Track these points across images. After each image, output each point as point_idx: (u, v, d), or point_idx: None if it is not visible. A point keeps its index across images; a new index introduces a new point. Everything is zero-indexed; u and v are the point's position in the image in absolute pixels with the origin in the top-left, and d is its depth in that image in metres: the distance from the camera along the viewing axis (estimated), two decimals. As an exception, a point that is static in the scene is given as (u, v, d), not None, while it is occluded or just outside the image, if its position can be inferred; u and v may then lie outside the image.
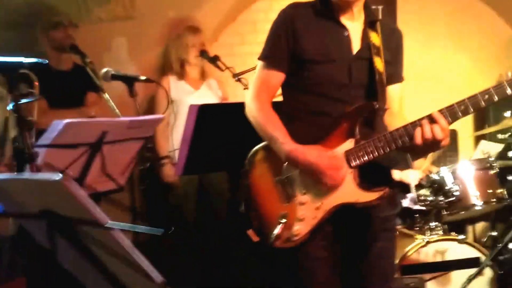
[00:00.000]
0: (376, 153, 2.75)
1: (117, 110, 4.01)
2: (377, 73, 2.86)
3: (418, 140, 2.66)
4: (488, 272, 4.42)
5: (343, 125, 2.80)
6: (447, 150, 5.70)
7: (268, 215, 2.90)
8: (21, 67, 3.01)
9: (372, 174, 2.82)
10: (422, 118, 2.69)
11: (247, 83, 4.43)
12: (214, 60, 5.01)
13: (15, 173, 3.05)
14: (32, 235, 2.35)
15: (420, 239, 4.44)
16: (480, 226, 6.13)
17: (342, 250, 2.98)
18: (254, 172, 2.96)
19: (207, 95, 5.52)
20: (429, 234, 4.48)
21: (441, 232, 4.51)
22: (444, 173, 4.59)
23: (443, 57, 6.93)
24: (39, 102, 3.64)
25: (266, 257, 3.10)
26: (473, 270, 4.38)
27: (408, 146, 2.74)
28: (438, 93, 6.68)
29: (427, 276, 4.38)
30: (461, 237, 4.43)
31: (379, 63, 2.87)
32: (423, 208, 4.69)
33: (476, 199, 4.53)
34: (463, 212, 4.63)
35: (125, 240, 1.97)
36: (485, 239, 5.69)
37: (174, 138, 5.36)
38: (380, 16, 3.02)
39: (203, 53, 5.26)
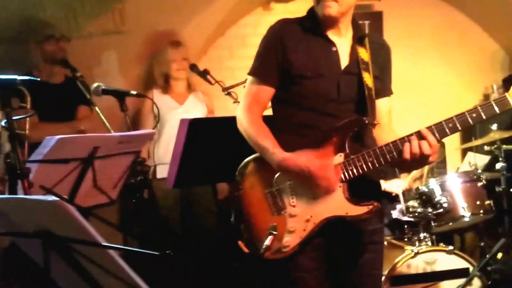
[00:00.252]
0: (366, 167, 2.79)
1: (107, 124, 4.03)
2: (366, 88, 2.90)
3: (407, 155, 2.70)
4: (476, 282, 4.45)
5: (333, 139, 2.82)
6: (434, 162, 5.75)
7: (258, 227, 2.92)
8: (14, 84, 3.02)
9: (362, 188, 2.84)
10: (411, 134, 2.73)
11: (237, 96, 4.46)
12: (204, 74, 5.03)
13: (7, 188, 3.04)
14: (25, 252, 2.36)
15: (409, 250, 4.45)
16: (468, 236, 6.17)
17: (332, 262, 3.00)
18: (245, 184, 2.98)
19: (192, 109, 5.55)
20: (418, 245, 4.50)
21: (430, 243, 4.54)
22: (433, 185, 4.65)
23: (429, 71, 7.00)
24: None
25: (256, 269, 3.11)
26: (462, 281, 4.42)
27: (397, 161, 2.77)
28: (424, 107, 6.76)
29: (416, 286, 4.40)
30: (450, 247, 4.45)
31: (368, 78, 2.91)
32: (412, 219, 4.74)
33: (464, 210, 4.58)
34: (451, 223, 4.68)
35: (120, 259, 1.99)
36: (473, 250, 5.73)
37: (158, 153, 5.41)
38: (366, 31, 3.06)
39: (193, 67, 5.28)
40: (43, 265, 2.11)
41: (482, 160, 5.56)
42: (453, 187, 4.66)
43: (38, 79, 3.46)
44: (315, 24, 2.95)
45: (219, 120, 4.34)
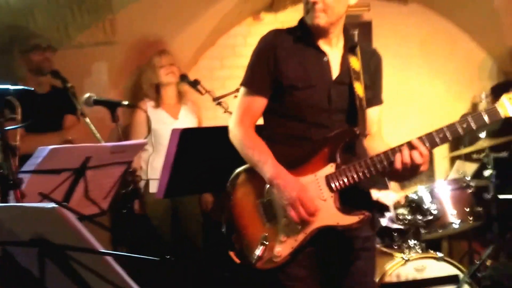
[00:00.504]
0: (357, 177, 2.81)
1: (98, 135, 4.03)
2: (357, 98, 2.92)
3: (398, 165, 2.73)
4: (466, 289, 4.47)
5: (325, 150, 2.85)
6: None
7: (249, 237, 2.92)
8: (7, 94, 3.04)
9: (353, 198, 2.87)
10: (402, 145, 2.75)
11: (227, 106, 4.48)
12: (195, 84, 5.05)
13: (-1, 198, 3.04)
14: (18, 261, 2.35)
15: (399, 257, 4.46)
16: (458, 243, 6.20)
17: (323, 270, 3.01)
18: (236, 194, 2.99)
19: (186, 122, 5.52)
20: (408, 253, 4.50)
21: (419, 250, 4.55)
22: (422, 192, 4.66)
23: (418, 80, 7.04)
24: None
25: (247, 278, 3.12)
26: (452, 287, 4.43)
27: (388, 171, 2.80)
28: (412, 116, 6.80)
29: (407, 294, 4.41)
30: (440, 254, 4.46)
31: (359, 88, 2.94)
32: (402, 227, 4.74)
33: (453, 218, 4.60)
34: (441, 231, 4.69)
35: (118, 267, 1.99)
36: (463, 257, 5.76)
37: (153, 168, 5.38)
38: (355, 40, 3.08)
39: (183, 77, 5.28)
40: (39, 275, 2.11)
41: (470, 167, 5.59)
42: (442, 194, 4.68)
43: (32, 89, 3.46)
44: (306, 34, 2.97)
45: (211, 130, 4.35)
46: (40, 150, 3.15)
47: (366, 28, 6.79)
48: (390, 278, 4.40)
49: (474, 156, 5.36)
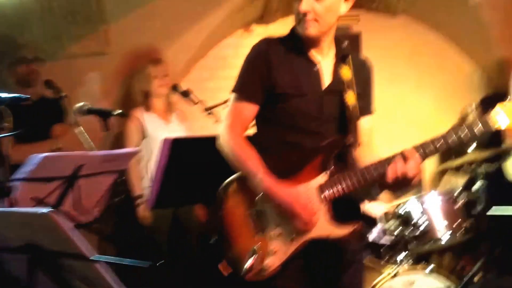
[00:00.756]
0: (349, 187, 2.81)
1: (91, 143, 4.05)
2: (348, 108, 2.93)
3: (391, 175, 2.72)
4: (456, 303, 4.43)
5: (317, 159, 2.85)
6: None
7: (240, 247, 2.89)
8: (1, 103, 3.06)
9: (344, 209, 2.86)
10: (395, 155, 2.75)
11: (218, 116, 4.49)
12: (186, 94, 5.07)
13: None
14: (8, 268, 2.35)
15: (387, 271, 4.44)
16: (447, 257, 6.20)
17: (313, 283, 2.99)
18: (227, 204, 2.96)
19: (178, 128, 5.57)
20: (397, 266, 4.48)
21: (409, 264, 4.51)
22: (411, 205, 4.64)
23: (406, 92, 7.07)
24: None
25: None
26: (441, 301, 4.39)
27: (380, 182, 2.80)
28: (401, 128, 6.80)
29: (396, 307, 4.38)
30: (429, 268, 4.44)
31: (350, 97, 2.94)
32: (391, 240, 4.70)
33: (443, 231, 4.58)
34: (430, 244, 4.65)
35: (109, 273, 2.00)
36: (452, 270, 5.75)
37: (151, 174, 5.36)
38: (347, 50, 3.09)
39: (175, 88, 5.30)
40: (27, 281, 2.12)
41: (460, 180, 5.58)
42: (432, 207, 4.66)
43: (28, 96, 3.48)
44: (297, 43, 2.97)
45: (202, 140, 4.36)
46: (33, 157, 3.16)
47: (355, 40, 6.82)
48: (379, 292, 4.37)
49: (464, 168, 5.35)
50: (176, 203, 4.75)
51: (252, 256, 2.82)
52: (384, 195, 5.05)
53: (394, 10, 7.00)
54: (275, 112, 2.96)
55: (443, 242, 4.63)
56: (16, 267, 2.25)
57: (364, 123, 3.07)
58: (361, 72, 3.07)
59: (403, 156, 2.73)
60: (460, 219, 4.66)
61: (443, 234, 4.59)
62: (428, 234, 4.59)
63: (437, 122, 6.75)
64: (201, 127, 5.70)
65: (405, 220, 4.64)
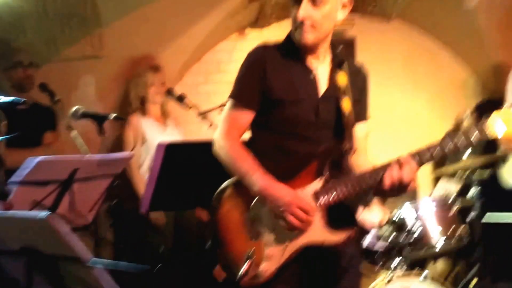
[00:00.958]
0: (345, 194, 2.80)
1: (85, 147, 4.04)
2: (344, 114, 2.93)
3: (387, 182, 2.71)
4: (451, 309, 4.45)
5: (312, 165, 2.85)
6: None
7: (235, 252, 2.89)
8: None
9: (339, 215, 2.85)
10: (391, 162, 2.74)
11: (212, 121, 4.50)
12: (180, 98, 5.07)
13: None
14: (6, 271, 2.35)
15: (382, 276, 4.44)
16: (441, 263, 6.20)
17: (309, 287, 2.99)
18: (222, 209, 2.95)
19: (174, 133, 5.58)
20: (392, 271, 4.47)
21: (403, 270, 4.50)
22: (405, 211, 4.64)
23: (401, 97, 7.08)
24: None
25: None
26: (436, 307, 4.39)
27: (375, 188, 2.78)
28: (396, 133, 6.80)
29: (390, 313, 4.37)
30: (424, 274, 4.43)
31: (346, 104, 2.94)
32: (385, 245, 4.69)
33: (437, 237, 4.57)
34: (425, 250, 4.64)
35: (106, 276, 2.00)
36: (447, 276, 5.75)
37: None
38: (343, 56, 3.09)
39: (169, 92, 5.31)
40: (25, 284, 2.13)
41: (454, 186, 5.58)
42: (426, 213, 4.65)
43: (23, 100, 3.48)
44: (293, 50, 2.97)
45: (197, 144, 4.37)
46: (28, 161, 3.16)
47: (350, 44, 6.84)
48: (374, 297, 4.36)
49: (458, 174, 5.35)
50: (170, 207, 4.73)
51: (247, 261, 2.76)
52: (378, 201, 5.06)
53: (389, 14, 7.02)
54: (271, 118, 2.96)
55: (437, 249, 4.62)
56: (15, 269, 2.25)
57: (359, 130, 3.06)
58: (357, 78, 3.07)
59: (399, 163, 2.72)
60: (454, 226, 4.65)
61: (438, 240, 4.58)
62: (422, 240, 4.58)
63: (432, 127, 6.77)
64: (195, 132, 5.73)
65: (400, 226, 4.63)
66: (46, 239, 2.00)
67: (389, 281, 4.39)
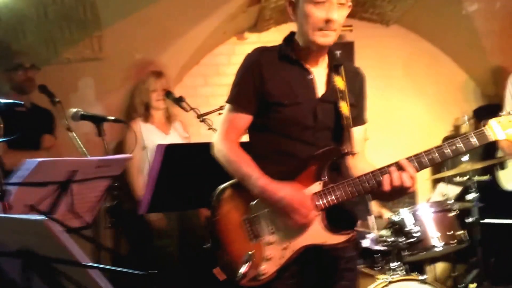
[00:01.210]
0: (344, 196, 2.79)
1: (84, 149, 4.05)
2: (342, 117, 2.93)
3: (387, 186, 2.71)
4: (449, 312, 4.46)
5: (311, 168, 2.84)
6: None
7: (235, 254, 2.89)
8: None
9: (339, 217, 2.86)
10: (390, 165, 2.74)
11: (212, 123, 4.50)
12: (179, 101, 5.07)
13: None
14: (5, 272, 2.35)
15: (381, 279, 4.43)
16: (441, 266, 6.21)
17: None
18: (221, 210, 2.95)
19: (177, 140, 5.59)
20: (390, 274, 4.47)
21: (402, 272, 4.51)
22: (404, 214, 4.63)
23: (399, 102, 7.10)
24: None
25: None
26: (434, 310, 4.39)
27: (375, 191, 2.79)
28: (394, 137, 6.81)
29: (388, 316, 4.37)
30: (423, 277, 4.43)
31: (344, 107, 2.93)
32: (384, 248, 4.72)
33: (436, 240, 4.59)
34: (423, 253, 4.68)
35: (103, 279, 2.00)
36: (446, 280, 5.76)
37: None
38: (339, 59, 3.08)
39: (168, 94, 5.32)
40: (23, 285, 2.12)
41: (453, 190, 5.59)
42: (425, 216, 4.68)
43: (22, 103, 3.48)
44: (292, 52, 2.97)
45: (196, 146, 4.37)
46: (28, 162, 3.16)
47: (348, 49, 6.83)
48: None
49: (457, 179, 5.36)
50: (169, 208, 4.74)
51: (247, 262, 2.82)
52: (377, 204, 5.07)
53: (387, 20, 7.03)
54: (269, 120, 2.95)
55: (437, 251, 4.65)
56: (12, 270, 2.25)
57: (357, 133, 3.05)
58: (354, 81, 3.07)
59: (399, 166, 2.73)
60: (453, 229, 4.68)
61: (437, 243, 4.59)
62: (421, 242, 4.60)
63: (431, 132, 6.78)
64: (194, 134, 5.74)
65: (399, 228, 4.63)
66: (42, 242, 1.99)
67: (387, 284, 4.39)
